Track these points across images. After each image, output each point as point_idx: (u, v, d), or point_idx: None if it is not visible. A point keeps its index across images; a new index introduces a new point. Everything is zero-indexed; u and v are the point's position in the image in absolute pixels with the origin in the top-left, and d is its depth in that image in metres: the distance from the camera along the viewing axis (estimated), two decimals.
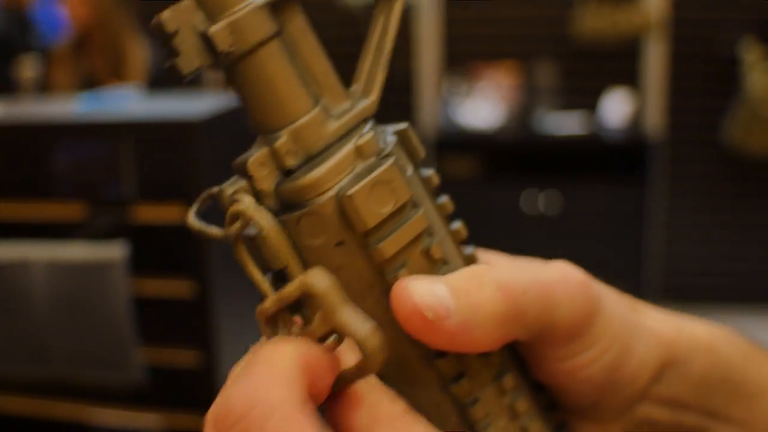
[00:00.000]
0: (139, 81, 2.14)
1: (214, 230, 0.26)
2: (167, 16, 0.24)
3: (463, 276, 0.26)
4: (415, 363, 0.27)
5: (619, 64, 3.07)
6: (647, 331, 0.31)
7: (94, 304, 1.06)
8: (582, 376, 0.29)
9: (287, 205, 0.26)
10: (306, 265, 0.25)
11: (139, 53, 2.25)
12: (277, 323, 0.25)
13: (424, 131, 3.05)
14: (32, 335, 0.83)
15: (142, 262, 1.21)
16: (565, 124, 3.03)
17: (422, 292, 0.25)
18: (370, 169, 0.25)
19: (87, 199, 0.85)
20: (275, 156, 0.26)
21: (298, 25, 0.26)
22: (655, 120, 3.04)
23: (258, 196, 0.26)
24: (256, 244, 0.25)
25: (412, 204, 0.26)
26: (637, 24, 2.96)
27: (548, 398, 0.31)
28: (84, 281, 1.07)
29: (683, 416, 0.32)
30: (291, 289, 0.24)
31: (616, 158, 3.00)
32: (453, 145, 3.07)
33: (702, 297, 3.15)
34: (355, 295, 0.25)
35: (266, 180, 0.26)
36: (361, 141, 0.26)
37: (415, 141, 0.28)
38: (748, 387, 0.32)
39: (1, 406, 0.89)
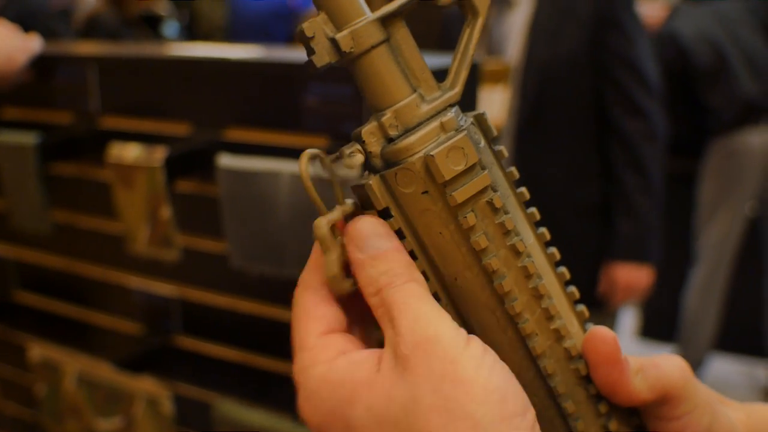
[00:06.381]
0: None
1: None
2: (306, 25, 0.33)
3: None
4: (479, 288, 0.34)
5: None
6: (728, 410, 0.41)
7: None
8: None
9: (388, 164, 0.34)
10: (400, 208, 0.34)
11: None
12: (334, 232, 0.34)
13: None
14: (273, 237, 0.92)
15: None
16: None
17: None
18: (448, 139, 0.33)
19: (329, 134, 0.90)
20: (381, 128, 0.34)
21: (402, 33, 0.34)
22: None
23: (368, 156, 0.34)
24: (363, 191, 0.34)
25: (481, 166, 0.33)
26: None
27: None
28: (321, 193, 0.98)
29: None
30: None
31: None
32: None
33: None
34: (435, 231, 0.33)
35: (375, 145, 0.34)
36: (445, 119, 0.33)
37: (489, 123, 0.35)
38: None
39: (243, 307, 1.01)
